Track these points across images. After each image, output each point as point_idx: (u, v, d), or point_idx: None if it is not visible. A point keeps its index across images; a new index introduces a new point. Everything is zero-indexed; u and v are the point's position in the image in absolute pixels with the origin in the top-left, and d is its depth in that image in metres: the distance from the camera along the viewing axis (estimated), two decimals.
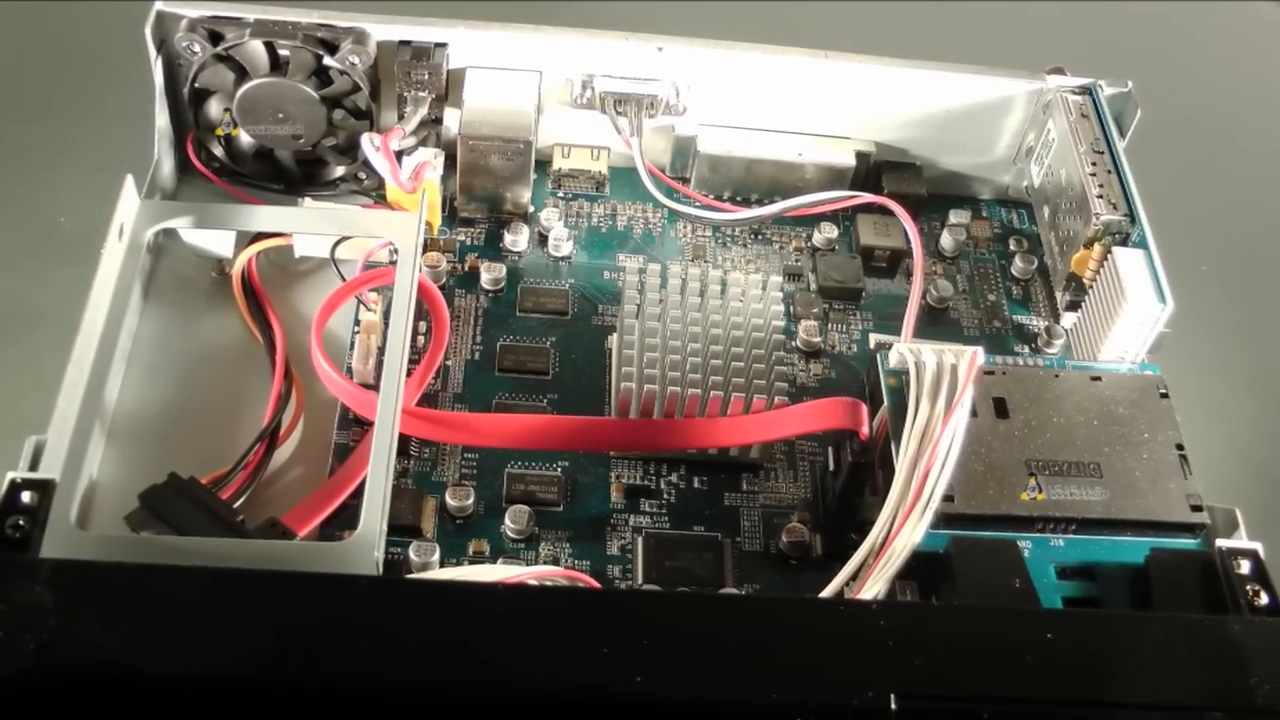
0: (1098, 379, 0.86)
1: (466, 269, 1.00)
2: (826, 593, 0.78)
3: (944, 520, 0.79)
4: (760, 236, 1.06)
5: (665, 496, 0.90)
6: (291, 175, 1.03)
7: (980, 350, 0.83)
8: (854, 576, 0.78)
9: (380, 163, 0.95)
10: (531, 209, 1.04)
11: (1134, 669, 0.69)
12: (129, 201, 0.87)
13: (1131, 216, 0.95)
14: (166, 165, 1.00)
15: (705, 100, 1.04)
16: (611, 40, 1.02)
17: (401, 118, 1.00)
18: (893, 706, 0.65)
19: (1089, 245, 0.97)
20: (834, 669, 0.67)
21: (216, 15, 0.97)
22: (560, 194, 1.07)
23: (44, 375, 0.81)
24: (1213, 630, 0.71)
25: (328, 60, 0.97)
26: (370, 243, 0.92)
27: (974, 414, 0.82)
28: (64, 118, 1.21)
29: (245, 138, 1.00)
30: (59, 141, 1.19)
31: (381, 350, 0.89)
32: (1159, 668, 0.69)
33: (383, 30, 0.99)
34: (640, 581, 0.85)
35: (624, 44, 1.02)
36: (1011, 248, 1.08)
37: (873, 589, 0.76)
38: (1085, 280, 0.97)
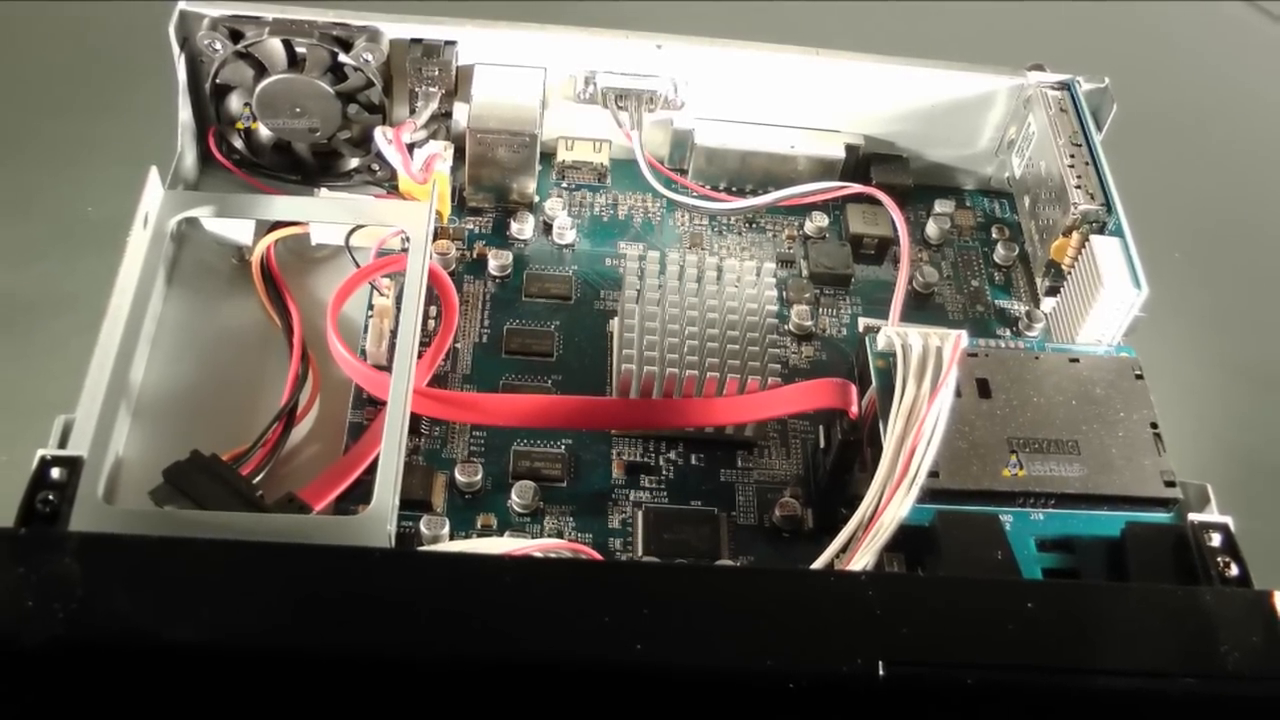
0: (1076, 361, 0.86)
1: (475, 256, 1.00)
2: (817, 564, 0.77)
3: (929, 495, 0.78)
4: (754, 225, 1.06)
5: (664, 473, 0.90)
6: (308, 167, 1.02)
7: (964, 333, 0.83)
8: (844, 549, 0.78)
9: (393, 155, 0.95)
10: (536, 199, 1.04)
11: (1111, 637, 0.69)
12: (153, 192, 0.87)
13: (1108, 206, 0.95)
14: (189, 157, 1.00)
15: (702, 95, 1.04)
16: (613, 38, 1.01)
17: (413, 112, 0.99)
18: (880, 673, 0.65)
19: (1067, 233, 0.97)
20: (825, 637, 0.67)
21: (237, 14, 0.96)
22: (564, 185, 1.07)
23: (73, 358, 0.81)
24: (1185, 600, 0.71)
25: (342, 57, 0.97)
26: (383, 231, 0.91)
27: (958, 394, 0.82)
28: (90, 113, 1.22)
29: (264, 131, 1.00)
30: (86, 136, 1.20)
31: (394, 333, 0.89)
32: (1134, 636, 0.69)
33: (395, 29, 0.99)
34: (640, 554, 0.85)
35: (624, 42, 1.01)
36: (994, 236, 1.07)
37: (861, 560, 0.76)
38: (1064, 267, 0.97)
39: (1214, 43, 1.52)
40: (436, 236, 0.97)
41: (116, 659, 0.63)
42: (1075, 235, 0.96)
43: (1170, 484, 0.80)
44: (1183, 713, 0.68)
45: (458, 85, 1.01)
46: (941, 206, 1.08)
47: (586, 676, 0.66)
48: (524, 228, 1.02)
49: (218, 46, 0.96)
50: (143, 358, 0.86)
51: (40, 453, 0.72)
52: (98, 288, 0.83)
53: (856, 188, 1.03)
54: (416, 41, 0.99)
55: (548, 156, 1.06)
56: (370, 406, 0.88)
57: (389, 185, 1.01)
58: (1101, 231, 0.95)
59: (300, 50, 0.97)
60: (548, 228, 1.03)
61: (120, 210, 0.86)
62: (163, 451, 0.80)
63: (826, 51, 1.03)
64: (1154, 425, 0.83)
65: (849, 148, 1.06)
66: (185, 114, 0.99)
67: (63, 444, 0.75)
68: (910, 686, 0.66)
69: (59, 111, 1.22)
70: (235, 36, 0.96)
